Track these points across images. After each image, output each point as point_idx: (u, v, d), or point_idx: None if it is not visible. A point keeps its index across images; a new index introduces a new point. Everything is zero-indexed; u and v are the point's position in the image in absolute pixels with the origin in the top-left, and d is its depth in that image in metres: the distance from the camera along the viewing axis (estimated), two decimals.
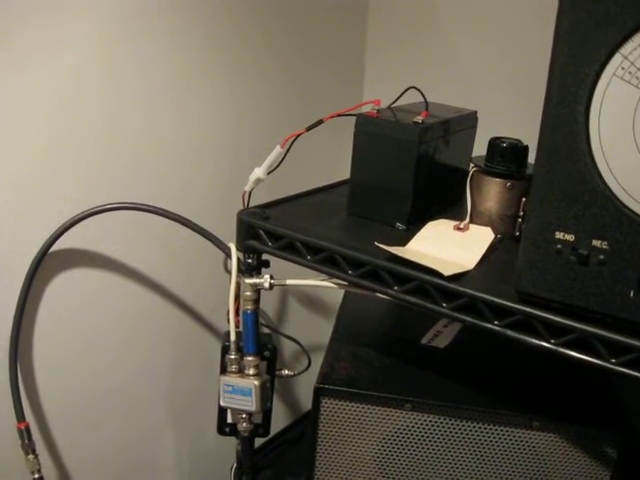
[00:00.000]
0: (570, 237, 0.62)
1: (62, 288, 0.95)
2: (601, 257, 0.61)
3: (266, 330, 1.06)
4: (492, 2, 1.17)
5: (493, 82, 1.19)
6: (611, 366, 0.63)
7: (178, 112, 1.02)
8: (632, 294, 0.60)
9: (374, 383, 0.87)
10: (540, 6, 1.02)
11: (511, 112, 1.14)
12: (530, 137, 0.72)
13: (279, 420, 1.37)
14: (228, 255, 0.89)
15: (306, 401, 1.44)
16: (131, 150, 0.98)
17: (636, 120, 0.57)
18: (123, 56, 0.92)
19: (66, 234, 0.91)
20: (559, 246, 0.63)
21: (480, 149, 0.92)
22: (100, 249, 0.98)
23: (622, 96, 0.57)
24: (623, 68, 0.56)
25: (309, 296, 1.42)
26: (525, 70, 1.11)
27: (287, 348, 1.33)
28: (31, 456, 0.91)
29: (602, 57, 0.57)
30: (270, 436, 1.05)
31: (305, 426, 1.16)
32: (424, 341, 0.97)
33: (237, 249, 0.88)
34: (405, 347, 0.97)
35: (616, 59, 0.56)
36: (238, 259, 0.87)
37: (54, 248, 0.91)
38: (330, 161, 1.27)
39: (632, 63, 0.56)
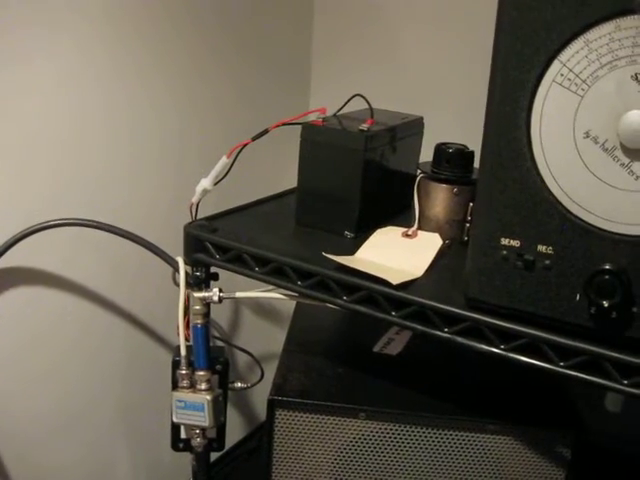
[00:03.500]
0: (516, 243, 0.63)
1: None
2: (547, 262, 0.61)
3: (218, 342, 1.04)
4: (437, 8, 1.18)
5: (439, 87, 1.20)
6: (560, 369, 0.64)
7: (114, 121, 1.00)
8: (578, 298, 0.61)
9: (328, 393, 0.86)
10: (483, 13, 1.03)
11: (457, 117, 1.15)
12: (476, 142, 0.72)
13: (234, 432, 1.36)
14: (176, 269, 0.87)
15: (261, 412, 1.43)
16: (65, 161, 0.94)
17: (576, 126, 0.57)
18: (54, 63, 0.89)
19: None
20: (505, 252, 0.63)
21: (427, 154, 0.92)
22: (40, 264, 0.95)
23: (562, 102, 0.57)
24: (562, 75, 0.57)
25: (261, 306, 1.40)
26: (471, 75, 1.12)
27: (240, 359, 1.31)
28: None
29: (541, 64, 0.57)
30: (225, 449, 1.03)
31: (260, 438, 1.14)
32: (376, 349, 0.96)
33: (185, 263, 0.86)
34: (358, 355, 0.96)
35: (555, 66, 0.57)
36: (186, 272, 0.86)
37: None
38: (277, 170, 1.26)
39: (570, 70, 0.56)
